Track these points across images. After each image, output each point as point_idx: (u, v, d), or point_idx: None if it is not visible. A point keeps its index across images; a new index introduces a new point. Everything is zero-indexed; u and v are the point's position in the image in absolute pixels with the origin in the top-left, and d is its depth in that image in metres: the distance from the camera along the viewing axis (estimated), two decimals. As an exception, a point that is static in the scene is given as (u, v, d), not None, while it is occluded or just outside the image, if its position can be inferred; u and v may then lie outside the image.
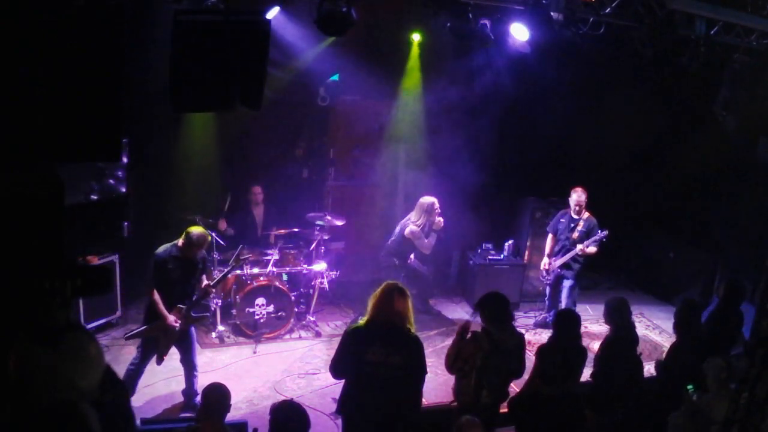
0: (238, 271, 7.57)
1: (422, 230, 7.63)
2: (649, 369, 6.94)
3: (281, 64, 7.80)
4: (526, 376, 5.14)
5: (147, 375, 6.14)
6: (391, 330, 4.44)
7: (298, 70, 8.36)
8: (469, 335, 4.95)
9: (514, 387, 5.25)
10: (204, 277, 6.21)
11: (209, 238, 6.01)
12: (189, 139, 8.47)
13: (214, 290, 6.13)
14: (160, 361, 6.08)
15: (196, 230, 5.93)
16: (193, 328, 6.16)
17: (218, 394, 4.03)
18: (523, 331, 6.43)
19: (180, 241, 5.92)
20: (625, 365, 5.30)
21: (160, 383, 6.35)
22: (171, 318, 5.88)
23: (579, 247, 7.93)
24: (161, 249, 5.95)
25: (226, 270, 6.65)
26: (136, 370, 5.96)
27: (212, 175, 8.73)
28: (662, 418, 4.87)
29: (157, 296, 5.84)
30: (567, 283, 8.19)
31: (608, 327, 5.56)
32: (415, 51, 9.07)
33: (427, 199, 7.65)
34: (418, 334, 4.72)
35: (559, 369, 5.00)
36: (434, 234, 7.63)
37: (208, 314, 6.37)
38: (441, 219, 7.68)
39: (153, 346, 5.98)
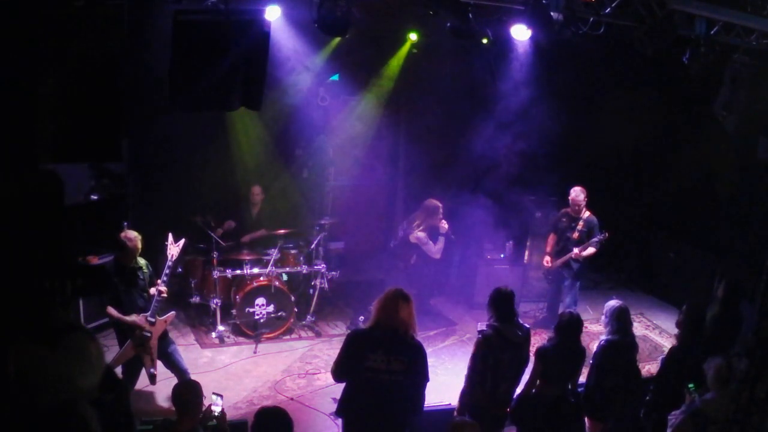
0: (239, 271, 7.58)
1: (426, 234, 7.60)
2: (649, 369, 6.95)
3: (281, 64, 7.79)
4: (526, 376, 5.15)
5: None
6: (394, 337, 4.44)
7: (299, 70, 8.35)
8: (479, 336, 4.97)
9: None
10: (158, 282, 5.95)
11: (140, 243, 5.87)
12: (189, 138, 8.45)
13: (164, 288, 5.96)
14: (153, 380, 5.98)
15: (128, 234, 5.77)
16: (170, 336, 6.11)
17: (187, 390, 4.04)
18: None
19: (117, 252, 5.81)
20: (617, 372, 5.29)
21: (160, 383, 6.34)
22: (139, 319, 5.73)
23: (575, 251, 7.91)
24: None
25: (168, 266, 6.05)
26: None
27: (213, 175, 8.73)
28: (662, 418, 4.87)
29: (112, 310, 5.71)
30: (567, 283, 8.18)
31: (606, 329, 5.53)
32: (404, 50, 9.02)
33: (432, 203, 7.62)
34: (418, 334, 4.72)
35: (561, 371, 5.03)
36: (442, 238, 7.60)
37: (173, 311, 6.27)
38: (445, 223, 7.65)
39: (135, 368, 5.91)
